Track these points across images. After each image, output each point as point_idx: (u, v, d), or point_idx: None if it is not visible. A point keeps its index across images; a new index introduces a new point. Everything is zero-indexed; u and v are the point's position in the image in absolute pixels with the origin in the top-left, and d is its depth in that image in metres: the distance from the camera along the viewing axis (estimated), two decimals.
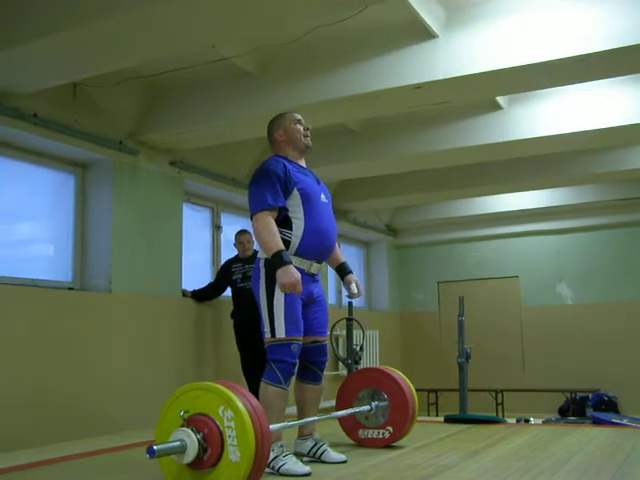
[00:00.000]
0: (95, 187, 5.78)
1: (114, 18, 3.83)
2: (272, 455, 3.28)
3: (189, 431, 2.79)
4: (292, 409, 3.95)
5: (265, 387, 3.44)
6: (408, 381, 4.25)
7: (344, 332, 7.39)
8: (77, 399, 5.07)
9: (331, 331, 7.59)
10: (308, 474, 3.32)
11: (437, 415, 9.01)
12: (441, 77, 4.78)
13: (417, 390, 4.32)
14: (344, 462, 3.67)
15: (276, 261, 3.36)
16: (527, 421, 6.17)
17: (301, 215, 3.58)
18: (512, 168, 7.86)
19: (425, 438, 4.53)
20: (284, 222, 3.56)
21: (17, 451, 4.38)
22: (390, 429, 4.14)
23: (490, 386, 9.35)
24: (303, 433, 3.82)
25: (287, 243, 3.52)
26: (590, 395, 9.19)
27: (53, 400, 4.90)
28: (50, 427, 4.83)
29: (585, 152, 7.39)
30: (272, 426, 3.09)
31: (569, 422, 7.20)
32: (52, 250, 5.69)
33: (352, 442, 4.25)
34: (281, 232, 3.49)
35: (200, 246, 7.20)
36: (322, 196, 3.76)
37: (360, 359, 6.89)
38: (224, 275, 6.41)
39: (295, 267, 3.41)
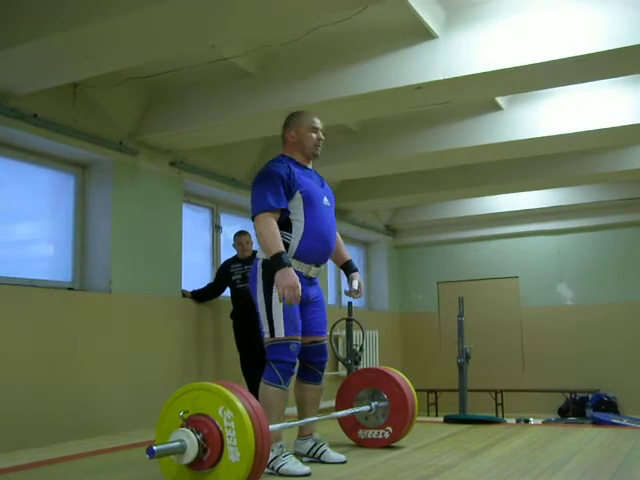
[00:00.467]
0: (95, 187, 5.78)
1: (114, 18, 3.83)
2: (272, 455, 3.28)
3: (189, 431, 2.79)
4: (292, 409, 3.95)
5: (265, 387, 3.44)
6: (408, 381, 4.25)
7: (344, 332, 7.40)
8: (77, 399, 5.07)
9: (331, 331, 7.60)
10: (308, 474, 3.32)
11: (437, 415, 9.01)
12: (441, 77, 4.77)
13: (417, 390, 4.32)
14: (344, 462, 3.67)
15: (275, 263, 3.36)
16: (527, 421, 6.17)
17: (302, 217, 3.57)
18: (512, 168, 7.85)
19: (425, 438, 4.53)
20: (285, 224, 3.55)
21: (17, 451, 4.38)
22: (390, 429, 4.14)
23: (490, 386, 9.35)
24: (303, 433, 3.83)
25: (286, 245, 3.51)
26: (590, 395, 9.19)
27: (53, 400, 4.90)
28: (49, 427, 4.83)
29: (585, 152, 7.39)
30: (272, 426, 3.09)
31: (569, 422, 7.20)
32: (52, 250, 5.69)
33: (352, 442, 4.25)
34: (281, 234, 3.49)
35: (200, 246, 7.20)
36: (325, 199, 3.75)
37: (360, 359, 6.89)
38: (223, 275, 6.41)
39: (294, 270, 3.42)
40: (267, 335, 3.52)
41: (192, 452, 2.77)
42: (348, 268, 4.04)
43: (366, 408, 4.13)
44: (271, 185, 3.50)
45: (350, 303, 7.20)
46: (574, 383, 9.42)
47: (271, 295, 3.50)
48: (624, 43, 4.27)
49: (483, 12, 4.71)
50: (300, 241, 3.55)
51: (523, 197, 9.37)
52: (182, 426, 2.83)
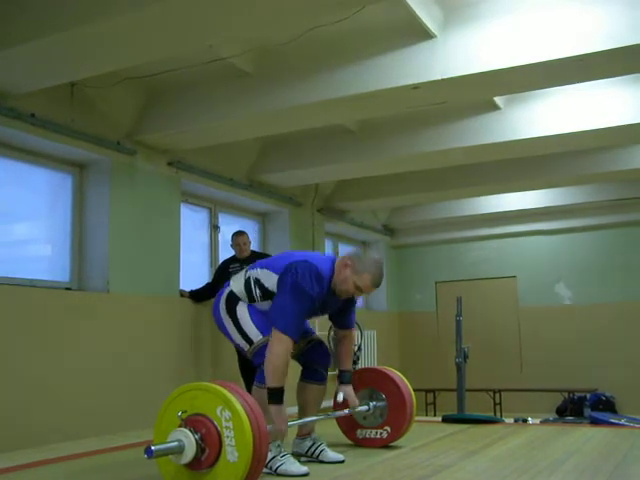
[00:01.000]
0: (93, 187, 5.77)
1: (112, 18, 3.82)
2: (269, 455, 3.29)
3: (187, 431, 2.80)
4: (292, 409, 3.95)
5: (257, 390, 3.45)
6: (406, 381, 4.25)
7: None
8: (75, 399, 5.06)
9: (329, 332, 7.59)
10: (306, 474, 3.33)
11: (435, 415, 9.02)
12: (439, 77, 4.77)
13: (415, 390, 4.32)
14: (342, 462, 3.67)
15: (275, 396, 3.30)
16: (525, 421, 6.16)
17: None
18: (510, 168, 7.85)
19: (423, 438, 4.54)
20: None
21: (16, 451, 4.38)
22: (388, 429, 4.14)
23: (488, 386, 9.35)
24: (302, 433, 3.83)
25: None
26: (588, 395, 9.19)
27: (51, 400, 4.90)
28: (48, 427, 4.82)
29: (582, 152, 7.39)
30: (269, 426, 3.09)
31: (567, 422, 7.19)
32: (50, 250, 5.68)
33: (350, 442, 4.26)
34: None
35: (198, 246, 7.20)
36: (334, 303, 3.73)
37: (358, 359, 6.90)
38: (222, 275, 6.40)
39: None
40: (246, 347, 3.58)
41: (190, 452, 2.77)
42: (339, 377, 3.98)
43: (364, 408, 4.14)
44: (301, 310, 3.42)
45: None
46: (572, 383, 9.42)
47: (235, 312, 3.62)
48: (622, 43, 4.26)
49: (481, 12, 4.71)
50: None
51: (521, 197, 9.37)
52: (180, 426, 2.83)
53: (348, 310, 3.89)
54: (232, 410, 2.78)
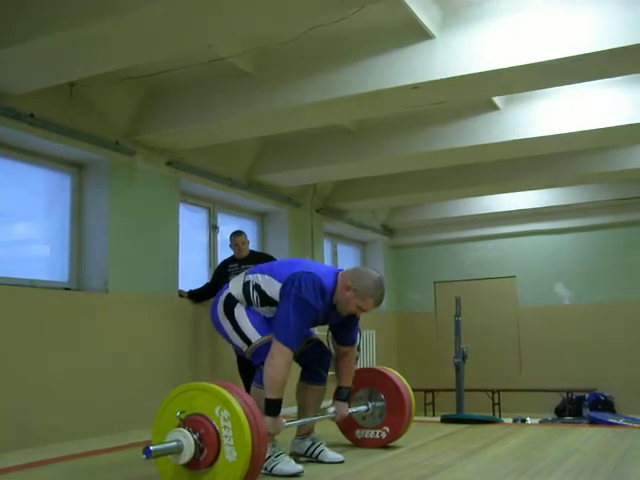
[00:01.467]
0: (91, 187, 5.77)
1: (111, 18, 3.82)
2: None
3: (185, 431, 2.80)
4: (289, 409, 3.96)
5: (256, 390, 3.45)
6: (405, 382, 4.25)
7: None
8: (74, 399, 5.06)
9: (327, 332, 7.58)
10: (300, 473, 3.33)
11: (434, 415, 9.03)
12: (438, 77, 4.77)
13: (414, 390, 4.33)
14: (342, 462, 3.68)
15: (272, 407, 3.30)
16: (524, 421, 6.16)
17: None
18: (509, 168, 7.85)
19: (422, 438, 4.54)
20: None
21: (15, 451, 4.38)
22: (387, 429, 4.14)
23: (487, 386, 9.36)
24: (301, 433, 3.84)
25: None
26: (587, 395, 9.19)
27: (50, 400, 4.89)
28: (47, 427, 4.82)
29: (582, 152, 7.40)
30: None
31: (566, 422, 7.19)
32: (48, 250, 5.68)
33: (349, 442, 4.26)
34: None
35: (197, 246, 7.20)
36: (336, 316, 3.74)
37: (357, 359, 6.89)
38: (220, 275, 6.41)
39: None
40: (245, 347, 3.59)
41: (189, 452, 2.77)
42: (337, 392, 3.95)
43: (363, 408, 4.14)
44: (303, 322, 3.43)
45: None
46: (571, 383, 9.42)
47: (233, 313, 3.62)
48: (622, 43, 4.26)
49: (480, 12, 4.71)
50: None
51: (520, 197, 9.38)
52: (179, 426, 2.83)
53: (350, 324, 3.87)
54: (231, 410, 2.78)
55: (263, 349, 3.45)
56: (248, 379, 5.67)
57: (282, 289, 3.49)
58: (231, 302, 3.66)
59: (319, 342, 3.90)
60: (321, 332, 4.23)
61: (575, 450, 4.03)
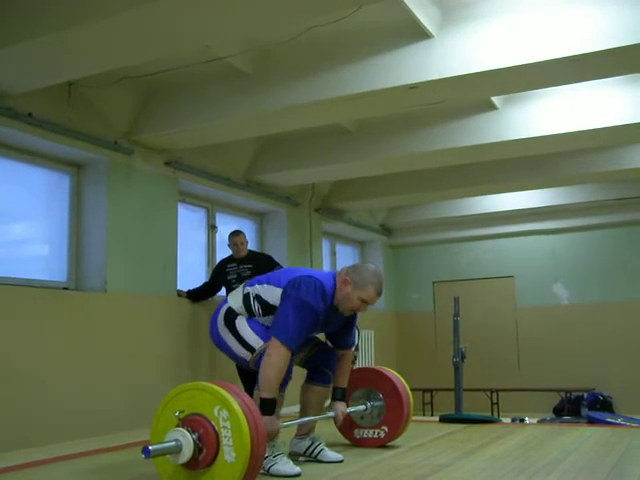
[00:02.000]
0: (90, 187, 5.76)
1: (109, 18, 3.81)
2: None
3: (184, 431, 2.79)
4: (290, 409, 3.96)
5: (258, 394, 3.43)
6: (404, 381, 4.26)
7: None
8: (72, 399, 5.06)
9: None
10: (298, 474, 3.33)
11: (432, 415, 9.02)
12: (436, 77, 4.77)
13: (412, 390, 4.33)
14: (341, 461, 3.68)
15: (266, 406, 3.29)
16: (522, 421, 6.17)
17: None
18: (507, 168, 7.86)
19: (420, 438, 4.54)
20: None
21: (13, 452, 4.37)
22: (385, 429, 4.15)
23: (485, 386, 9.36)
24: (300, 432, 3.84)
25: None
26: (585, 394, 9.20)
27: (47, 400, 4.89)
28: (45, 427, 4.82)
29: (580, 152, 7.40)
30: None
31: (564, 422, 7.21)
32: (47, 250, 5.67)
33: (348, 442, 4.26)
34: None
35: (195, 246, 7.20)
36: (338, 320, 3.74)
37: (355, 359, 6.89)
38: (219, 275, 6.41)
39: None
40: (249, 356, 3.57)
41: (188, 452, 2.77)
42: (333, 393, 3.96)
43: (362, 408, 4.15)
44: (303, 324, 3.42)
45: None
46: (569, 382, 9.42)
47: (234, 324, 3.61)
48: (622, 43, 4.26)
49: (478, 12, 4.71)
50: None
51: (518, 197, 9.38)
52: (178, 426, 2.83)
53: (348, 328, 3.88)
54: (230, 410, 2.78)
55: None
56: (246, 379, 5.68)
57: (283, 293, 3.50)
58: (232, 315, 3.65)
59: (325, 345, 3.90)
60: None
61: (573, 450, 4.04)
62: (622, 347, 9.40)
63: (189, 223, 7.04)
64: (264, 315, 3.59)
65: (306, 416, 3.81)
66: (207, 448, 2.79)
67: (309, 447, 3.78)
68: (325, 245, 9.42)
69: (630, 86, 5.73)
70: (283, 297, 3.50)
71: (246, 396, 2.91)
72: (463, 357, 6.08)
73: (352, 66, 5.04)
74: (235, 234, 6.43)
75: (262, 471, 3.30)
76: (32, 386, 4.80)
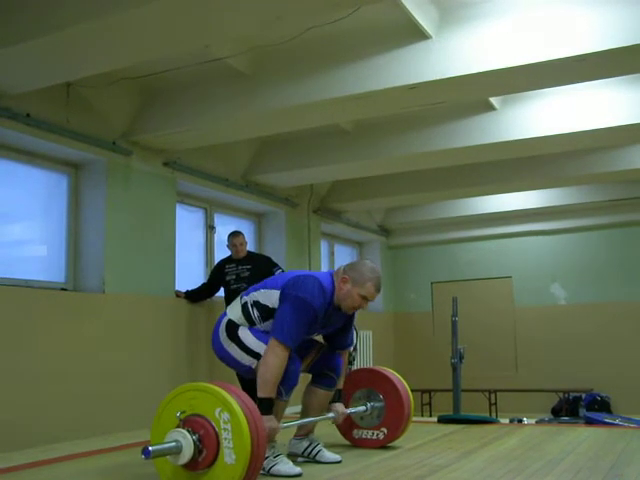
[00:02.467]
0: (88, 187, 5.76)
1: (107, 18, 3.81)
2: None
3: (185, 432, 2.80)
4: (290, 409, 3.96)
5: None
6: (404, 382, 4.25)
7: None
8: (70, 400, 5.05)
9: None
10: (299, 475, 3.33)
11: (431, 415, 9.02)
12: (435, 78, 4.77)
13: (411, 390, 4.32)
14: (339, 462, 3.68)
15: (265, 405, 3.29)
16: (520, 421, 6.18)
17: None
18: (505, 169, 7.87)
19: (419, 438, 4.54)
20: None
21: (11, 452, 4.37)
22: (385, 430, 4.15)
23: (483, 386, 9.37)
24: (300, 433, 3.84)
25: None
26: (583, 395, 9.22)
27: (45, 401, 4.88)
28: (43, 428, 4.81)
29: (578, 153, 7.41)
30: None
31: (562, 422, 7.21)
32: (45, 251, 5.66)
33: (347, 443, 4.26)
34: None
35: (193, 247, 7.19)
36: (339, 319, 3.74)
37: (354, 360, 6.89)
38: (218, 275, 6.41)
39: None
40: (254, 363, 3.52)
41: (188, 453, 2.77)
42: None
43: (362, 408, 4.14)
44: (303, 322, 3.43)
45: None
46: (567, 383, 9.44)
47: (237, 335, 3.58)
48: (622, 43, 4.26)
49: (477, 12, 4.72)
50: None
51: (516, 197, 9.39)
52: (178, 426, 2.83)
53: (346, 329, 3.88)
54: (231, 412, 2.78)
55: None
56: (244, 379, 5.66)
57: (281, 293, 3.50)
58: (233, 326, 3.63)
59: (329, 348, 3.90)
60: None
61: (572, 450, 4.04)
62: (620, 347, 9.41)
63: (187, 224, 7.03)
64: (264, 321, 3.58)
65: (307, 418, 3.81)
66: (207, 449, 2.79)
67: (307, 448, 3.78)
68: (324, 246, 9.43)
69: (628, 87, 5.73)
70: (281, 298, 3.50)
71: (247, 398, 2.91)
72: (461, 358, 6.08)
73: (351, 67, 5.04)
74: (234, 235, 6.43)
75: (263, 471, 3.31)
76: (30, 387, 4.79)
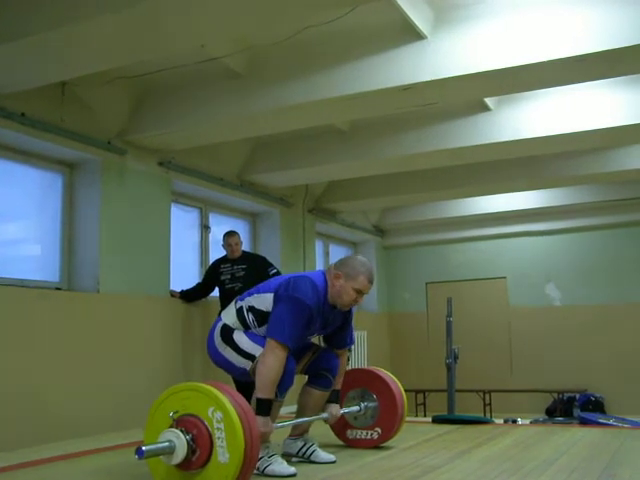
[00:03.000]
0: (83, 187, 5.75)
1: (102, 17, 3.81)
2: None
3: (178, 432, 2.79)
4: (284, 409, 3.96)
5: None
6: (398, 383, 4.25)
7: None
8: (64, 399, 5.04)
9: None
10: (293, 475, 3.33)
11: (425, 416, 9.04)
12: (429, 78, 4.78)
13: (405, 390, 4.33)
14: (333, 462, 3.68)
15: (263, 407, 3.30)
16: (515, 421, 6.19)
17: None
18: (500, 169, 7.87)
19: (413, 439, 4.55)
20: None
21: (13, 451, 4.35)
22: (379, 430, 4.15)
23: (478, 387, 9.38)
24: (294, 433, 3.84)
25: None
26: (577, 395, 9.24)
27: (39, 401, 4.87)
28: (37, 428, 4.80)
29: (573, 153, 7.42)
30: None
31: (556, 422, 7.24)
32: (39, 250, 5.65)
33: (341, 443, 4.26)
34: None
35: (188, 246, 7.18)
36: (336, 317, 3.75)
37: (348, 360, 6.89)
38: (212, 275, 6.40)
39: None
40: (249, 365, 3.52)
41: (181, 453, 2.77)
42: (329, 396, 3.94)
43: (355, 409, 4.14)
44: (299, 322, 3.43)
45: None
46: (562, 383, 9.46)
47: (232, 339, 3.58)
48: (622, 43, 4.26)
49: (472, 13, 4.72)
50: None
51: (511, 198, 9.40)
52: (171, 426, 2.83)
53: (345, 328, 3.88)
54: (224, 411, 2.78)
55: None
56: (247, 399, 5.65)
57: (275, 294, 3.50)
58: (228, 330, 3.63)
59: (325, 348, 3.91)
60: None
61: (566, 450, 4.05)
62: (614, 348, 9.43)
63: (182, 223, 7.03)
64: (260, 326, 3.58)
65: (301, 418, 3.80)
66: (201, 449, 2.78)
67: (302, 448, 3.78)
68: (318, 246, 9.43)
69: (623, 88, 5.74)
70: (275, 300, 3.50)
71: (240, 397, 2.91)
72: (456, 358, 6.09)
73: (345, 67, 5.04)
74: (230, 235, 6.42)
75: (257, 471, 3.31)
76: (24, 386, 4.78)
